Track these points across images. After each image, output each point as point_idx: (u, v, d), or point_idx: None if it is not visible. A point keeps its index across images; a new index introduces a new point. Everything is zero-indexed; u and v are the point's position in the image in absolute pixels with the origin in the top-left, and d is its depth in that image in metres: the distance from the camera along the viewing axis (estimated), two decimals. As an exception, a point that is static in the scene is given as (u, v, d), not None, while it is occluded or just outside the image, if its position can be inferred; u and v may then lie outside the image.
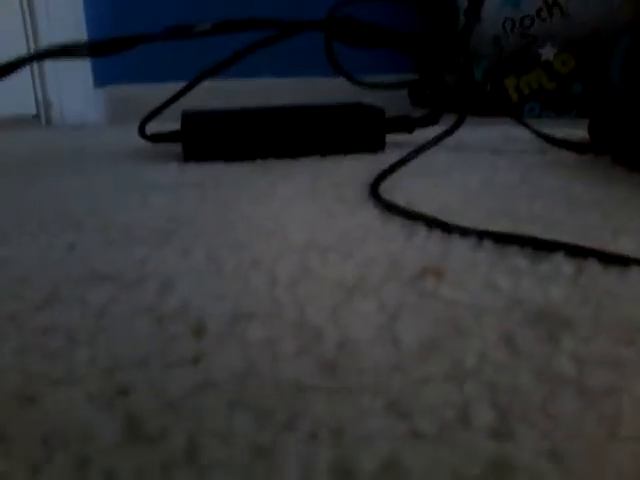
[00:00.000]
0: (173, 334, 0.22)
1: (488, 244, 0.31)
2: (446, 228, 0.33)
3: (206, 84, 0.67)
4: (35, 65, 0.94)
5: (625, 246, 0.31)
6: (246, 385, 0.19)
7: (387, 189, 0.43)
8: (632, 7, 0.88)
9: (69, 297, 0.26)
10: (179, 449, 0.16)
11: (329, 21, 0.54)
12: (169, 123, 0.61)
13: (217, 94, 0.95)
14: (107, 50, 0.51)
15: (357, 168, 0.51)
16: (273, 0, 1.00)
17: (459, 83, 0.56)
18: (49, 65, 0.95)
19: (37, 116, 0.97)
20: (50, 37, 0.93)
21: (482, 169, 0.50)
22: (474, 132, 0.70)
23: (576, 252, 0.29)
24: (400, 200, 0.40)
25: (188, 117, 0.56)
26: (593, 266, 0.28)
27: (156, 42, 0.50)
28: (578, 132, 0.64)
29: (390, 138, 0.62)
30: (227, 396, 0.18)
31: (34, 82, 0.95)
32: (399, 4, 0.60)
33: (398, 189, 0.43)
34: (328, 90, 0.86)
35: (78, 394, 0.19)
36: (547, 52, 0.90)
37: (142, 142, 0.62)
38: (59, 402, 0.18)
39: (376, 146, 0.59)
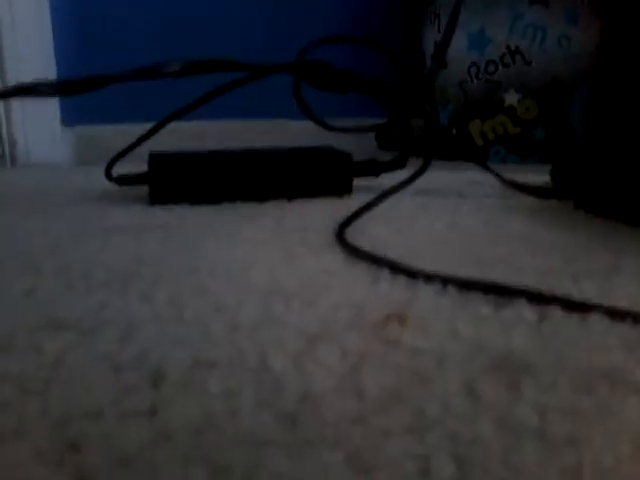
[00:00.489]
0: (130, 384, 0.22)
1: (452, 290, 0.31)
2: (411, 273, 0.33)
3: (175, 125, 0.67)
4: (1, 104, 0.94)
5: (586, 291, 0.31)
6: (203, 438, 0.18)
7: (353, 233, 0.43)
8: (589, 57, 0.91)
9: (24, 345, 0.25)
10: (130, 509, 0.15)
11: (298, 64, 0.55)
12: (139, 164, 0.61)
13: (187, 135, 0.95)
14: (75, 90, 0.51)
15: (324, 212, 0.52)
16: (243, 42, 1.02)
17: (425, 128, 0.57)
18: (16, 104, 0.94)
19: (2, 156, 0.95)
20: (18, 76, 0.92)
21: (447, 213, 0.51)
22: (440, 176, 0.71)
23: (538, 298, 0.29)
24: (365, 244, 0.40)
25: (155, 159, 0.56)
26: (555, 312, 0.28)
27: (125, 82, 0.50)
28: (542, 177, 0.66)
29: (358, 182, 0.62)
30: (183, 450, 0.18)
31: (0, 121, 0.94)
32: (367, 48, 0.61)
33: (364, 233, 0.44)
34: (297, 133, 0.87)
35: (26, 449, 0.18)
36: (511, 98, 0.92)
37: (109, 184, 0.61)
38: (6, 458, 0.18)
39: (343, 190, 0.60)
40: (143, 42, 0.99)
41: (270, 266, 0.36)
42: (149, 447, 0.18)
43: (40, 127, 0.96)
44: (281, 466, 0.17)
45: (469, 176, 0.71)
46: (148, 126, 0.58)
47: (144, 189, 0.59)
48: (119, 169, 0.60)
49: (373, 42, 0.59)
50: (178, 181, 0.56)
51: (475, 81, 0.94)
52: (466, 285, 0.31)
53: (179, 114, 0.56)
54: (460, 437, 0.18)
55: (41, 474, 0.17)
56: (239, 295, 0.31)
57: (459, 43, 0.93)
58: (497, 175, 0.60)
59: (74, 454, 0.18)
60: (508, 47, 0.91)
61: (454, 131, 0.95)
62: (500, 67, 0.92)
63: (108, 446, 0.18)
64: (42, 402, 0.21)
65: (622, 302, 0.29)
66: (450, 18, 0.59)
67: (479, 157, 0.71)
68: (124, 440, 0.18)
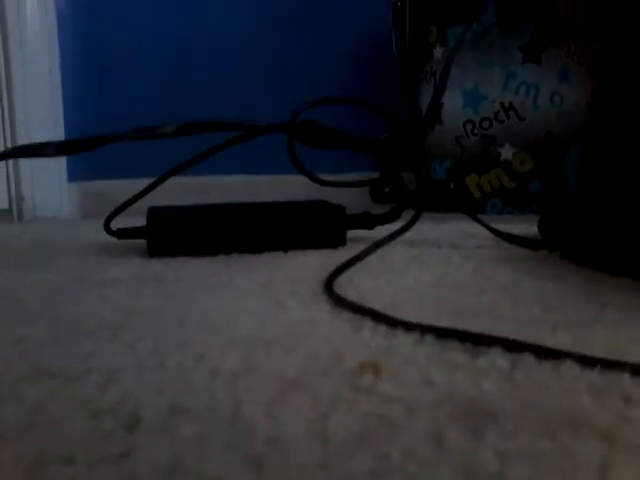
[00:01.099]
0: (106, 429, 0.22)
1: (430, 339, 0.31)
2: (391, 323, 0.34)
3: (179, 181, 0.69)
4: (10, 162, 0.97)
5: (563, 340, 0.31)
6: (168, 482, 0.19)
7: (341, 284, 0.44)
8: (581, 113, 0.93)
9: (6, 394, 0.26)
10: None
11: (291, 124, 0.57)
12: (140, 218, 0.63)
13: (190, 191, 0.97)
14: (76, 149, 0.53)
15: (316, 263, 0.53)
16: (239, 101, 1.05)
17: (417, 181, 0.59)
18: (24, 162, 0.97)
19: (9, 210, 0.98)
20: (28, 138, 0.95)
21: (436, 265, 0.52)
22: (434, 228, 0.73)
23: (513, 346, 0.29)
24: (352, 295, 0.41)
25: (153, 214, 0.58)
26: (528, 360, 0.28)
27: (123, 141, 0.52)
28: (535, 229, 0.67)
29: (352, 234, 0.63)
30: (147, 493, 0.18)
31: (8, 178, 0.97)
32: (361, 108, 0.63)
33: (352, 284, 0.44)
34: (295, 187, 0.89)
35: (-2, 492, 0.18)
36: (506, 152, 0.94)
37: (109, 237, 0.63)
38: (-23, 501, 0.18)
39: (337, 242, 0.61)
40: (143, 104, 1.02)
41: (257, 316, 0.37)
42: (115, 490, 0.18)
43: (47, 183, 0.98)
44: (240, 508, 0.17)
45: (463, 228, 0.72)
46: (151, 181, 0.60)
47: (143, 242, 0.60)
48: (122, 223, 0.61)
49: (364, 103, 0.62)
50: (175, 234, 0.57)
51: (471, 136, 0.96)
52: (444, 334, 0.31)
53: (177, 170, 0.58)
54: (419, 481, 0.19)
55: (9, 516, 0.17)
56: (222, 345, 0.31)
57: (454, 101, 0.96)
58: (487, 227, 0.61)
59: (42, 497, 0.18)
60: (502, 104, 0.94)
61: (452, 185, 0.97)
62: (495, 123, 0.94)
63: (75, 489, 0.18)
64: (17, 449, 0.21)
65: (597, 351, 0.29)
66: (440, 77, 0.61)
67: (473, 209, 0.72)
68: (92, 483, 0.19)
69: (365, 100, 0.64)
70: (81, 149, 0.52)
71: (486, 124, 0.95)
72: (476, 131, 0.95)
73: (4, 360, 0.30)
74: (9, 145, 0.97)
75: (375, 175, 0.66)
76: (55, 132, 0.97)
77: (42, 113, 0.96)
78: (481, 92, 0.94)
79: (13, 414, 0.24)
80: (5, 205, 0.97)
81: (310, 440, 0.21)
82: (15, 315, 0.37)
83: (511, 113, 0.93)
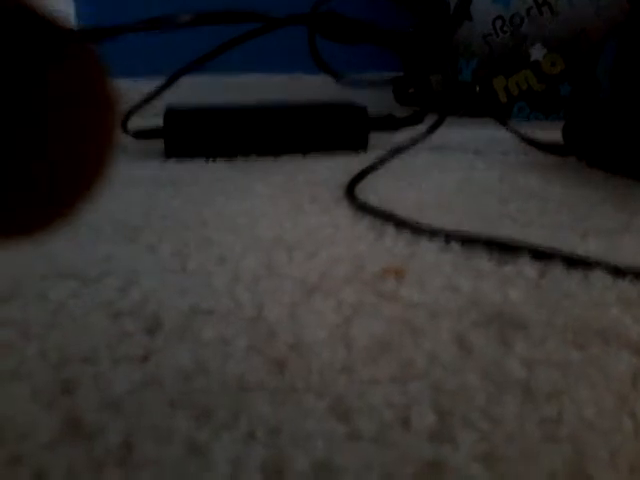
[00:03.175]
0: (127, 330, 0.22)
1: (455, 246, 0.31)
2: (415, 229, 0.33)
3: (192, 79, 0.66)
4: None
5: (593, 248, 0.31)
6: (191, 384, 0.19)
7: (363, 189, 0.43)
8: (620, 9, 0.88)
9: (30, 293, 0.26)
10: (114, 447, 0.16)
11: (312, 15, 0.54)
12: (157, 118, 0.61)
13: (204, 89, 0.95)
14: (89, 39, 0.50)
15: (337, 167, 0.51)
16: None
17: (443, 83, 0.56)
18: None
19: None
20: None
21: (461, 170, 0.50)
22: (459, 133, 0.70)
23: (541, 254, 0.29)
24: (375, 200, 0.40)
25: (170, 114, 0.56)
26: (557, 268, 0.28)
27: (137, 33, 0.49)
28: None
29: (374, 137, 0.62)
30: (170, 394, 0.18)
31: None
32: (386, 0, 0.60)
33: (374, 189, 0.43)
34: (312, 87, 0.86)
35: (23, 390, 0.19)
36: (536, 52, 0.90)
37: (125, 137, 0.61)
38: (3, 397, 0.18)
39: (359, 145, 0.59)
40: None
41: (277, 220, 0.36)
42: (138, 391, 0.18)
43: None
44: (263, 411, 0.17)
45: (488, 133, 0.70)
46: (165, 80, 0.58)
47: (160, 143, 0.59)
48: (139, 123, 0.60)
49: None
50: (193, 135, 0.56)
51: (500, 34, 0.91)
52: (469, 241, 0.30)
53: (191, 67, 0.55)
54: (444, 388, 0.19)
55: (33, 412, 0.17)
56: (243, 247, 0.31)
57: (485, -5, 0.90)
58: (514, 132, 0.59)
59: (66, 395, 0.18)
60: (535, -1, 0.88)
61: (477, 88, 0.93)
62: (526, 19, 0.89)
63: (98, 389, 0.18)
64: (41, 346, 0.21)
65: (628, 260, 0.29)
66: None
67: (500, 114, 0.69)
68: (114, 384, 0.19)
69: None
70: (93, 39, 0.50)
71: (517, 20, 0.90)
72: (505, 28, 0.91)
73: (24, 261, 0.30)
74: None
75: (399, 75, 0.63)
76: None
77: (53, 3, 0.93)
78: (514, -14, 0.88)
79: (37, 312, 0.24)
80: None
81: (333, 345, 0.21)
82: (34, 215, 0.37)
83: (544, 8, 0.88)
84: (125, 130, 0.58)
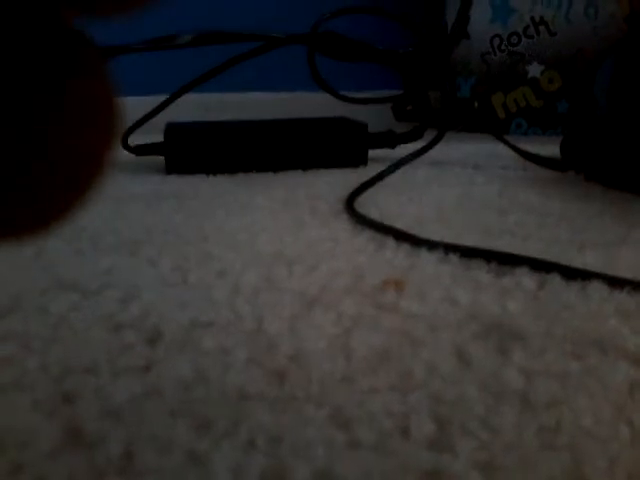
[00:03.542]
0: (128, 342, 0.22)
1: (454, 258, 0.31)
2: (414, 241, 0.33)
3: (193, 97, 0.67)
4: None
5: (590, 261, 0.31)
6: (191, 393, 0.19)
7: (363, 203, 0.43)
8: (617, 28, 0.89)
9: (30, 306, 0.26)
10: (115, 456, 0.16)
11: (312, 35, 0.55)
12: (158, 135, 0.61)
13: (206, 107, 0.95)
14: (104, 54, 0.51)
15: (336, 182, 0.52)
16: (257, 13, 1.01)
17: (442, 99, 0.57)
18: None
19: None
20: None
21: (460, 184, 0.51)
22: (458, 148, 0.71)
23: (539, 266, 0.29)
24: (374, 214, 0.40)
25: (171, 129, 0.57)
26: (555, 280, 0.28)
27: (136, 53, 0.50)
28: (560, 149, 0.65)
29: (373, 153, 0.62)
30: (171, 404, 0.18)
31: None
32: (385, 19, 0.61)
33: (374, 203, 0.44)
34: (315, 105, 0.87)
35: (24, 400, 0.19)
36: (534, 69, 0.91)
37: (126, 154, 0.62)
38: (4, 408, 0.18)
39: (358, 161, 0.60)
40: (157, 14, 0.98)
41: (277, 234, 0.36)
42: (138, 401, 0.18)
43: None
44: (264, 420, 0.17)
45: (487, 148, 0.70)
46: (169, 97, 0.58)
47: (161, 159, 0.59)
48: (139, 140, 0.60)
49: (387, 12, 0.59)
50: (194, 151, 0.56)
51: (498, 53, 0.92)
52: (468, 253, 0.31)
53: (194, 84, 0.56)
54: (443, 398, 0.19)
55: (35, 423, 0.17)
56: (243, 261, 0.31)
57: (483, 14, 0.91)
58: (512, 147, 0.59)
59: (67, 405, 0.18)
60: (532, 18, 0.89)
61: (476, 104, 0.94)
62: (524, 38, 0.90)
63: (99, 399, 0.19)
64: (43, 358, 0.21)
65: (625, 272, 0.29)
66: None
67: (498, 129, 0.70)
68: (115, 394, 0.19)
69: (389, 11, 0.61)
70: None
71: (514, 39, 0.91)
72: (503, 47, 0.91)
73: (25, 273, 0.30)
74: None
75: (397, 93, 0.64)
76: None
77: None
78: (511, 5, 0.89)
79: (38, 325, 0.24)
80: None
81: (333, 355, 0.21)
82: (35, 230, 0.37)
83: (541, 28, 0.89)
84: (126, 146, 0.59)
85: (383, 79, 0.93)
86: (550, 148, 0.65)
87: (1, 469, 0.15)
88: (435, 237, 0.33)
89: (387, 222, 0.37)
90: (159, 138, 0.58)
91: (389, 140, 0.62)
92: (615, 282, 0.26)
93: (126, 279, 0.29)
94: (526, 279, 0.28)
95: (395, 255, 0.32)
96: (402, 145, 0.63)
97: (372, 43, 0.56)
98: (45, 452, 0.16)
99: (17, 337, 0.23)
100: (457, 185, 0.50)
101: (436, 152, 0.58)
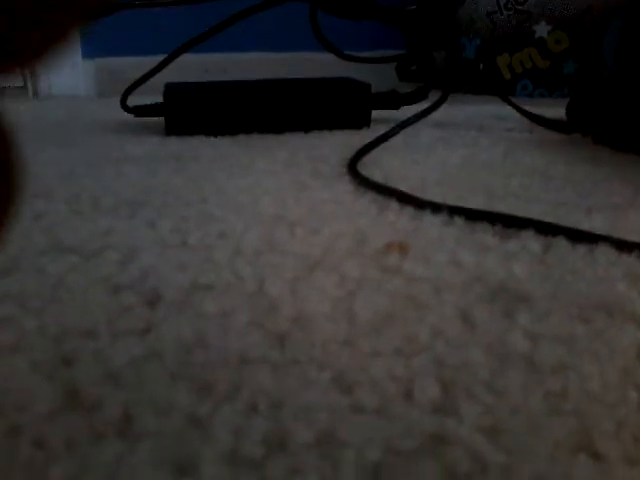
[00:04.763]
0: (127, 304, 0.22)
1: (459, 220, 0.30)
2: (418, 204, 0.32)
3: (192, 58, 0.65)
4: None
5: (597, 224, 0.30)
6: (192, 356, 0.18)
7: (366, 165, 0.43)
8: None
9: (29, 267, 0.26)
10: (114, 419, 0.16)
11: (314, -8, 0.53)
12: (158, 96, 0.60)
13: (206, 68, 0.94)
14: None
15: (339, 144, 0.51)
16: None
17: (447, 59, 0.55)
18: (37, 35, 0.93)
19: (24, 87, 0.95)
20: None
21: (465, 146, 0.50)
22: (462, 110, 0.70)
23: (545, 229, 0.28)
24: (378, 176, 0.39)
25: (170, 90, 0.55)
26: (561, 244, 0.27)
27: (134, 11, 0.49)
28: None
29: (376, 114, 0.61)
30: (171, 367, 0.18)
31: (21, 52, 0.94)
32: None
33: (377, 165, 0.43)
34: (317, 65, 0.85)
35: (22, 362, 0.18)
36: (541, 29, 0.89)
37: (126, 115, 0.61)
38: (2, 369, 0.18)
39: (361, 122, 0.58)
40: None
41: (279, 196, 0.36)
42: (138, 364, 0.18)
43: (61, 59, 0.95)
44: (265, 384, 0.17)
45: (492, 110, 0.69)
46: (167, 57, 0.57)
47: (160, 120, 0.59)
48: (138, 101, 0.59)
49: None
50: (194, 112, 0.55)
51: (504, 12, 0.90)
52: (473, 216, 0.30)
53: (194, 43, 0.55)
54: (447, 362, 0.18)
55: (34, 385, 0.17)
56: (244, 223, 0.31)
57: (489, -30, 0.89)
58: (518, 108, 0.58)
59: (66, 368, 0.18)
60: (540, -26, 0.87)
61: (481, 66, 0.92)
62: (531, -4, 0.88)
63: (98, 362, 0.18)
64: (41, 320, 0.21)
65: (633, 236, 0.28)
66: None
67: (504, 91, 0.68)
68: (115, 357, 0.18)
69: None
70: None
71: (521, -2, 0.88)
72: (510, 5, 0.89)
73: (25, 235, 0.29)
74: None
75: (401, 53, 0.63)
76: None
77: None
78: (518, -39, 0.87)
79: (36, 286, 0.23)
80: (19, 81, 0.95)
81: (335, 318, 0.21)
82: (34, 191, 0.37)
83: (550, -15, 0.87)
84: (125, 107, 0.58)
85: (387, 39, 0.91)
86: (556, 110, 0.64)
87: (0, 430, 0.15)
88: (439, 200, 0.33)
89: (390, 184, 0.36)
90: (158, 99, 0.57)
91: (393, 101, 0.61)
92: (623, 245, 0.26)
93: (125, 241, 0.28)
94: (532, 242, 0.27)
95: (398, 218, 0.31)
96: (406, 106, 0.62)
97: (375, 0, 0.55)
98: (44, 414, 0.16)
99: (15, 298, 0.23)
100: (461, 147, 0.50)
101: (440, 113, 0.57)
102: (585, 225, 0.30)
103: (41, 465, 0.14)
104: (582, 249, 0.26)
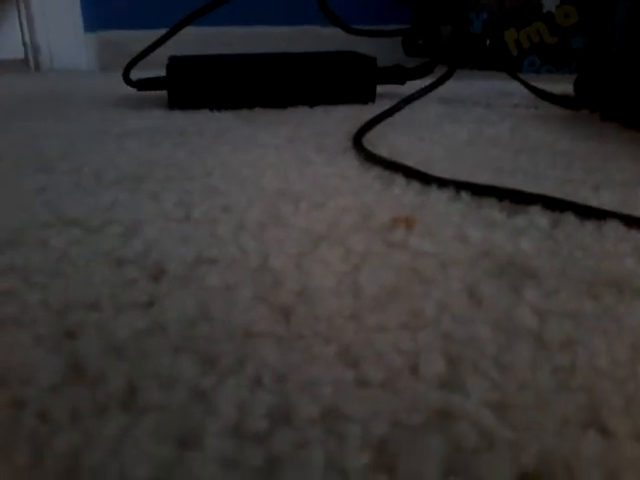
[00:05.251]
0: (130, 278, 0.22)
1: (465, 196, 0.30)
2: (424, 179, 0.32)
3: (196, 31, 0.65)
4: (24, 11, 0.92)
5: (605, 200, 0.30)
6: (196, 330, 0.18)
7: (371, 140, 0.42)
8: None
9: (32, 240, 0.25)
10: (118, 392, 0.15)
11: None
12: (159, 70, 0.60)
13: (212, 42, 0.93)
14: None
15: (344, 118, 0.50)
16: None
17: (453, 34, 0.55)
18: (38, 10, 0.92)
19: (25, 61, 0.94)
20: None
21: (472, 122, 0.49)
22: (470, 85, 0.69)
23: (554, 205, 0.28)
24: (383, 151, 0.39)
25: (174, 64, 0.55)
26: (569, 219, 0.27)
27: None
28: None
29: (382, 89, 0.60)
30: (175, 340, 0.18)
31: (21, 26, 0.93)
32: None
33: (382, 140, 0.42)
34: (324, 40, 0.84)
35: (26, 336, 0.18)
36: (549, 3, 0.87)
37: (129, 89, 0.60)
38: (5, 343, 0.18)
39: (367, 97, 0.58)
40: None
41: (283, 170, 0.35)
42: (142, 337, 0.18)
43: (62, 32, 0.94)
44: (269, 358, 0.17)
45: (499, 86, 0.68)
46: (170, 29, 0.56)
47: (164, 94, 0.58)
48: (141, 74, 0.59)
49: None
50: (197, 85, 0.55)
51: (513, -15, 0.88)
52: (480, 191, 0.30)
53: (197, 15, 0.54)
54: (454, 337, 0.18)
55: (37, 358, 0.17)
56: (248, 197, 0.30)
57: (498, -57, 0.87)
58: (525, 84, 0.58)
59: (70, 341, 0.18)
60: (550, -53, 0.85)
61: (488, 40, 0.91)
62: (540, -31, 0.86)
63: (102, 335, 0.18)
64: (44, 293, 0.21)
65: (642, 211, 0.28)
66: None
67: (511, 67, 0.67)
68: (118, 330, 0.18)
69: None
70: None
71: (530, -29, 0.87)
72: (518, -21, 0.88)
73: (27, 208, 0.29)
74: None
75: (408, 27, 0.62)
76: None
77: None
78: None
79: (39, 260, 0.23)
80: (21, 54, 0.94)
81: (340, 293, 0.21)
82: (36, 164, 0.36)
83: (559, -42, 0.85)
84: (128, 81, 0.57)
85: (393, 12, 0.89)
86: (563, 86, 0.63)
87: (3, 404, 0.15)
88: (445, 175, 0.32)
89: (396, 159, 0.36)
90: (161, 73, 0.56)
91: (398, 75, 0.60)
92: (631, 221, 0.26)
93: (128, 214, 0.28)
94: (540, 218, 0.27)
95: (404, 193, 0.31)
96: (411, 81, 0.61)
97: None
98: (47, 387, 0.16)
99: (19, 271, 0.22)
100: (468, 123, 0.49)
101: (446, 89, 0.56)
102: (593, 201, 0.29)
103: (45, 438, 0.14)
104: (590, 225, 0.26)
